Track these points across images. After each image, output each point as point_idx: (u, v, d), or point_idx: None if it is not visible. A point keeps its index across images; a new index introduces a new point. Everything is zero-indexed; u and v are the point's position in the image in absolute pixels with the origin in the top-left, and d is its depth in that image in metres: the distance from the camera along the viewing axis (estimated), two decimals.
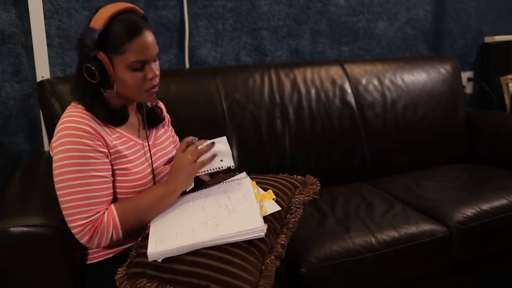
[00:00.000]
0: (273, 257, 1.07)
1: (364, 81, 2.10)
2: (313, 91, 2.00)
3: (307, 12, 2.26)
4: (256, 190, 1.19)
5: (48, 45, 1.80)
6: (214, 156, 1.18)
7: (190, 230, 1.07)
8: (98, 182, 1.10)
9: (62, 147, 1.08)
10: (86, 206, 1.08)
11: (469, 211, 1.63)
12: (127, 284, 1.05)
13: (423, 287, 1.65)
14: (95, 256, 1.20)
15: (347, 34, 2.37)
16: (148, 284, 1.03)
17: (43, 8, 1.77)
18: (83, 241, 1.09)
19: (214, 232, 1.05)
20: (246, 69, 1.97)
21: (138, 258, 1.09)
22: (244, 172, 1.29)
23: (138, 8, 1.16)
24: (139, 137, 1.25)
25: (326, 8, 2.29)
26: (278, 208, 1.14)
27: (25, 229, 1.07)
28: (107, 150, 1.13)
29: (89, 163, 1.09)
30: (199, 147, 1.18)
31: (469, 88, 2.71)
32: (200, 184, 1.26)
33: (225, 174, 1.29)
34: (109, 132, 1.17)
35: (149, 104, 1.31)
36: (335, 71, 2.08)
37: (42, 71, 1.78)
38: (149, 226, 1.14)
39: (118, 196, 1.16)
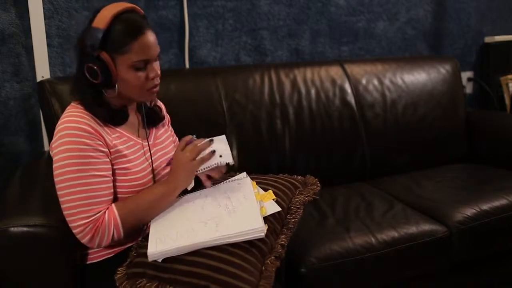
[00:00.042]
0: (273, 257, 1.08)
1: (364, 81, 2.10)
2: (313, 91, 2.00)
3: (307, 12, 2.26)
4: (256, 190, 1.19)
5: (48, 45, 1.80)
6: (213, 152, 1.18)
7: (190, 230, 1.07)
8: (98, 181, 1.10)
9: (62, 147, 1.08)
10: (87, 205, 1.08)
11: (469, 211, 1.63)
12: (127, 284, 1.05)
13: (423, 287, 1.65)
14: (95, 256, 1.20)
15: (347, 34, 2.37)
16: (148, 284, 1.03)
17: (43, 8, 1.77)
18: (84, 241, 1.09)
19: (214, 232, 1.05)
20: (246, 69, 1.97)
21: (138, 258, 1.10)
22: (244, 172, 1.29)
23: (139, 8, 1.16)
24: (139, 136, 1.25)
25: (326, 8, 2.29)
26: (278, 208, 1.14)
27: (25, 229, 1.07)
28: (107, 150, 1.13)
29: (90, 162, 1.09)
30: (198, 145, 1.19)
31: (469, 88, 2.71)
32: (200, 184, 1.26)
33: (225, 174, 1.29)
34: (109, 131, 1.17)
35: (148, 103, 1.31)
36: (335, 71, 2.08)
37: (42, 71, 1.78)
38: (149, 226, 1.14)
39: (119, 195, 1.16)
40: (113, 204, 1.13)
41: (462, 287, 1.73)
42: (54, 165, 1.09)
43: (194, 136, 1.23)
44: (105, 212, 1.10)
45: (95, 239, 1.09)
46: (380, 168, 2.06)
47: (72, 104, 1.17)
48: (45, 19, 1.78)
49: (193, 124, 1.76)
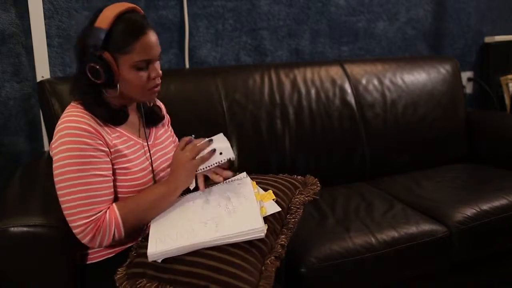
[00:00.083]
0: (273, 257, 1.07)
1: (364, 81, 2.10)
2: (313, 91, 2.00)
3: (307, 12, 2.26)
4: (256, 190, 1.18)
5: (48, 45, 1.80)
6: (213, 151, 1.18)
7: (190, 230, 1.07)
8: (99, 181, 1.10)
9: (62, 147, 1.08)
10: (87, 205, 1.08)
11: (469, 211, 1.63)
12: (127, 284, 1.05)
13: (423, 287, 1.65)
14: (95, 256, 1.20)
15: (347, 34, 2.37)
16: (148, 284, 1.03)
17: (43, 8, 1.77)
18: (85, 240, 1.09)
19: (214, 233, 1.05)
20: (246, 69, 1.97)
21: (138, 258, 1.10)
22: (244, 172, 1.28)
23: (139, 8, 1.17)
24: (139, 136, 1.25)
25: (326, 8, 2.29)
26: (278, 209, 1.14)
27: (25, 229, 1.07)
28: (107, 149, 1.13)
29: (90, 162, 1.09)
30: (198, 144, 1.19)
31: (469, 88, 2.71)
32: None
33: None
34: (109, 131, 1.17)
35: (148, 103, 1.32)
36: (335, 71, 2.08)
37: (42, 71, 1.78)
38: (149, 226, 1.14)
39: (119, 195, 1.16)
40: (114, 204, 1.13)
41: (462, 287, 1.73)
42: (54, 165, 1.09)
43: (193, 136, 1.23)
44: (106, 211, 1.10)
45: (96, 239, 1.09)
46: (380, 168, 2.06)
47: (72, 104, 1.17)
48: (45, 19, 1.78)
49: (193, 124, 1.76)
